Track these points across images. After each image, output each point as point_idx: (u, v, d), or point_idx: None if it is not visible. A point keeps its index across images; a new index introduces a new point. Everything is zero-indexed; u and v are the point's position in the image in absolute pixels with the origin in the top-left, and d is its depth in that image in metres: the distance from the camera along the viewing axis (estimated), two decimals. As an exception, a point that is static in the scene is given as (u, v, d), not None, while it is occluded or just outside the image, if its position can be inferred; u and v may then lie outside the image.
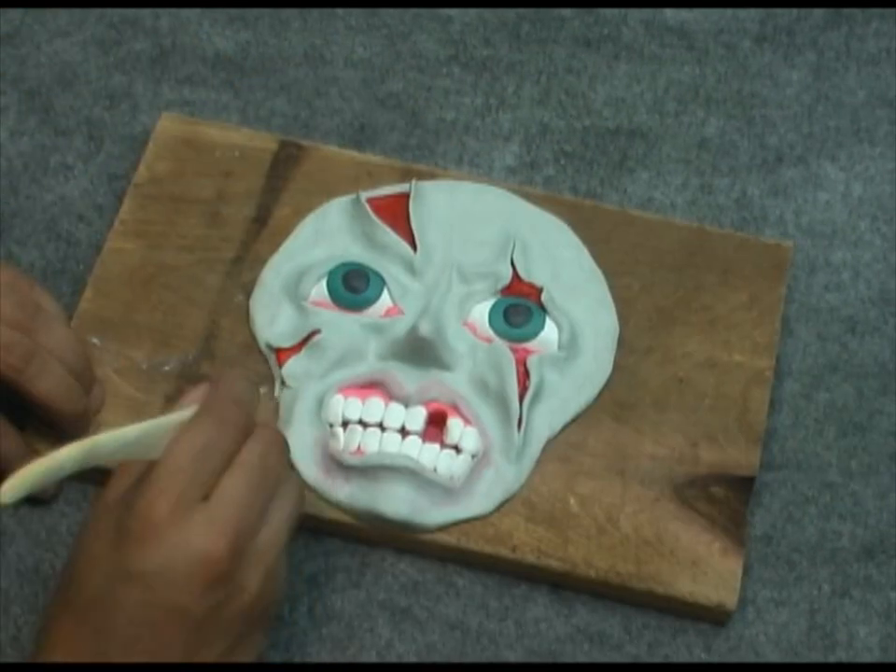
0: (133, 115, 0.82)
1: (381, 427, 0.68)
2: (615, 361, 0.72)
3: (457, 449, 0.68)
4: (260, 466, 0.59)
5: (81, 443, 0.56)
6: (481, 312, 0.72)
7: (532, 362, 0.70)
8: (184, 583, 0.56)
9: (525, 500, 0.69)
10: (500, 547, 0.68)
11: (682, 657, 0.67)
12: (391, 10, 0.86)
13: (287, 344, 0.71)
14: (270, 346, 0.72)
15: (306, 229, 0.76)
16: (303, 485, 0.62)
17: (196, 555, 0.56)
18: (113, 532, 0.57)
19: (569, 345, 0.71)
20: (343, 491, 0.68)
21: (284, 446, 0.61)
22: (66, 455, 0.56)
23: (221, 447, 0.58)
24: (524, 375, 0.70)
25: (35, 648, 0.58)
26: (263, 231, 0.76)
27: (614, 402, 0.71)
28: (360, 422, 0.69)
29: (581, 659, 0.67)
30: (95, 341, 0.72)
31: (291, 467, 0.63)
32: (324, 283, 0.73)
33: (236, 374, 0.63)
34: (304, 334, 0.71)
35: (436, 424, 0.69)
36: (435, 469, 0.68)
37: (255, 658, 0.60)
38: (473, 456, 0.68)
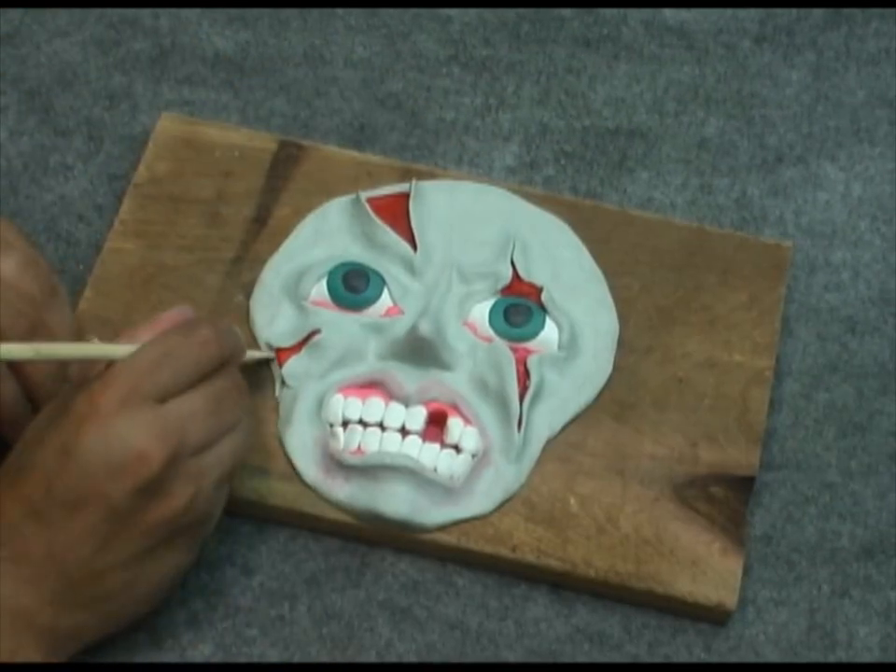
0: (132, 115, 0.82)
1: (381, 426, 0.69)
2: (615, 361, 0.72)
3: (457, 449, 0.68)
4: (221, 397, 0.62)
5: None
6: (481, 311, 0.72)
7: (532, 362, 0.70)
8: (114, 473, 0.58)
9: (524, 500, 0.69)
10: (500, 547, 0.68)
11: (682, 657, 0.67)
12: (391, 10, 0.86)
13: (286, 344, 0.71)
14: (270, 346, 0.72)
15: (306, 229, 0.76)
16: (253, 430, 0.64)
17: (133, 451, 0.58)
18: (59, 410, 0.60)
19: (569, 345, 0.71)
20: (343, 491, 0.68)
21: (245, 389, 0.64)
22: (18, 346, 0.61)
23: (185, 358, 0.61)
24: (524, 375, 0.70)
25: None
26: (263, 231, 0.76)
27: (614, 402, 0.71)
28: (360, 422, 0.69)
29: (581, 659, 0.67)
30: (95, 340, 0.72)
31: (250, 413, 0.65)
32: (324, 283, 0.73)
33: (224, 320, 0.66)
34: (304, 334, 0.71)
35: (436, 423, 0.69)
36: (435, 469, 0.68)
37: (171, 572, 0.62)
38: (473, 456, 0.69)
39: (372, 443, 0.68)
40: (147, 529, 0.60)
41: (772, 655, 0.68)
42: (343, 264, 0.73)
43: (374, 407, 0.69)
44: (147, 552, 0.61)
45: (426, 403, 0.69)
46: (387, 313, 0.72)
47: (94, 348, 0.63)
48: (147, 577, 0.62)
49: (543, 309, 0.72)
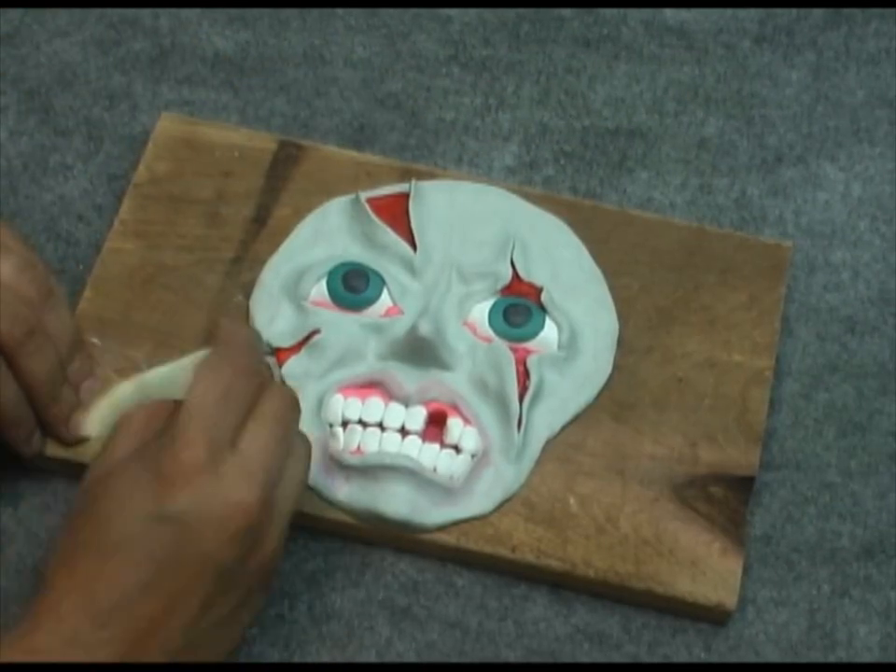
0: (132, 115, 0.82)
1: (381, 426, 0.69)
2: (615, 361, 0.72)
3: (457, 449, 0.68)
4: (281, 419, 0.60)
5: (132, 380, 0.65)
6: (480, 312, 0.72)
7: (532, 362, 0.70)
8: (216, 530, 0.57)
9: (524, 500, 0.69)
10: (500, 547, 0.68)
11: (682, 657, 0.67)
12: (391, 10, 0.86)
13: (286, 344, 0.71)
14: (269, 346, 0.72)
15: (306, 229, 0.76)
16: (310, 446, 0.63)
17: (231, 504, 0.57)
18: (145, 475, 0.57)
19: (569, 345, 0.71)
20: (343, 491, 0.68)
21: (297, 403, 0.62)
22: (122, 391, 0.65)
23: (241, 390, 0.59)
24: (523, 375, 0.70)
25: (42, 586, 0.57)
26: (263, 231, 0.76)
27: (614, 402, 0.71)
28: (360, 422, 0.69)
29: (581, 659, 0.67)
30: (95, 341, 0.72)
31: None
32: (323, 283, 0.73)
33: (240, 324, 0.67)
34: (304, 334, 0.71)
35: (436, 424, 0.69)
36: (435, 469, 0.68)
37: (254, 616, 0.61)
38: (473, 456, 0.69)
39: (372, 443, 0.68)
40: (245, 581, 0.58)
41: (772, 655, 0.68)
42: (343, 264, 0.73)
43: (374, 407, 0.69)
44: (239, 607, 0.59)
45: (425, 403, 0.69)
46: (387, 313, 0.72)
47: (174, 366, 0.63)
48: (234, 629, 0.60)
49: (543, 309, 0.72)
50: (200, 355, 0.61)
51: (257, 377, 0.61)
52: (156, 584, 0.56)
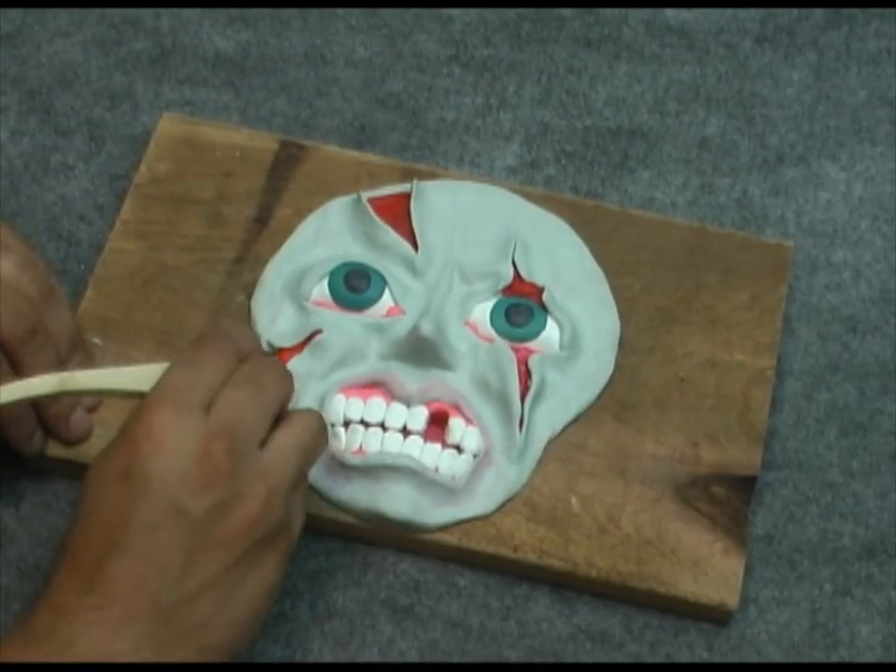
0: (133, 115, 0.82)
1: (382, 426, 0.69)
2: (616, 361, 0.72)
3: (459, 449, 0.68)
4: (256, 379, 0.60)
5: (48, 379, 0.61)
6: (482, 311, 0.72)
7: (533, 362, 0.70)
8: (181, 481, 0.56)
9: (526, 500, 0.69)
10: (502, 547, 0.68)
11: (684, 657, 0.67)
12: (392, 10, 0.86)
13: (288, 344, 0.71)
14: (271, 346, 0.72)
15: (307, 229, 0.76)
16: (322, 422, 0.63)
17: (193, 454, 0.57)
18: (116, 442, 0.58)
19: (571, 345, 0.71)
20: (345, 491, 0.68)
21: (282, 370, 0.62)
22: (41, 379, 0.60)
23: (217, 363, 0.60)
24: (525, 375, 0.70)
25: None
26: (264, 231, 0.76)
27: (615, 402, 0.71)
28: (362, 422, 0.69)
29: (583, 659, 0.67)
30: (96, 341, 0.72)
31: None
32: (325, 283, 0.73)
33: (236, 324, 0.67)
34: (306, 334, 0.71)
35: (437, 424, 0.69)
36: (436, 469, 0.68)
37: (260, 591, 0.59)
38: (475, 456, 0.68)
39: (374, 443, 0.68)
40: (227, 539, 0.57)
41: (774, 655, 0.68)
42: (345, 264, 0.73)
43: (376, 407, 0.69)
44: (233, 568, 0.58)
45: (427, 403, 0.69)
46: (389, 313, 0.72)
47: (118, 374, 0.62)
48: (237, 598, 0.58)
49: (544, 309, 0.72)
50: (148, 368, 0.61)
51: (236, 352, 0.61)
52: (128, 543, 0.56)
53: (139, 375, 0.61)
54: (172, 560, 0.56)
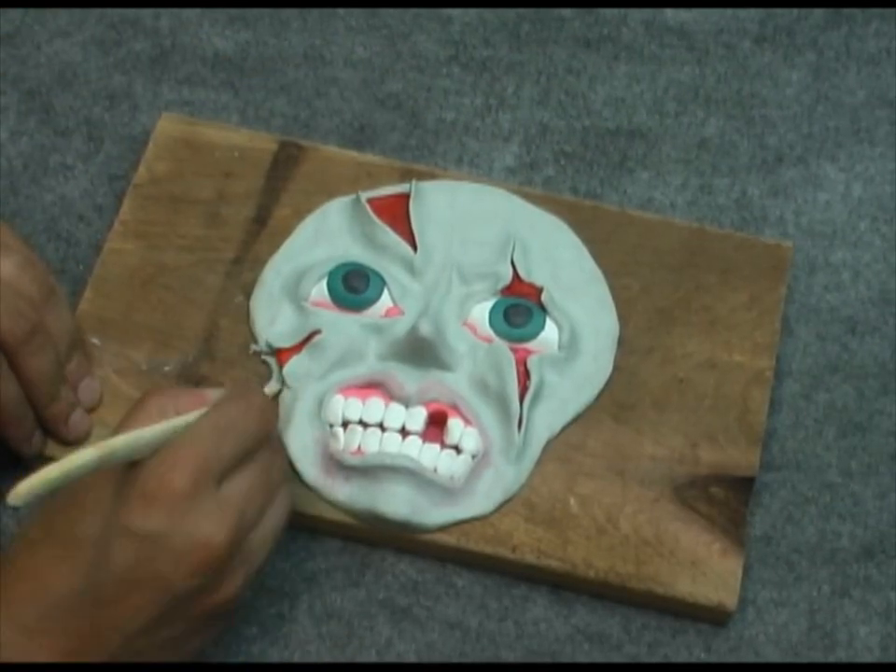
0: (132, 115, 0.82)
1: (381, 427, 0.69)
2: (615, 362, 0.72)
3: (457, 449, 0.68)
4: (269, 470, 0.60)
5: (98, 447, 0.56)
6: (481, 312, 0.72)
7: (532, 362, 0.70)
8: (179, 560, 0.57)
9: (524, 501, 0.69)
10: (500, 547, 0.68)
11: (682, 657, 0.68)
12: (391, 10, 0.86)
13: (287, 344, 0.71)
14: (270, 346, 0.72)
15: (306, 229, 0.76)
16: (293, 497, 0.63)
17: (199, 537, 0.57)
18: (120, 483, 0.57)
19: (569, 346, 0.71)
20: (343, 491, 0.68)
21: (286, 461, 0.64)
22: (82, 458, 0.55)
23: (244, 430, 0.59)
24: (524, 375, 0.70)
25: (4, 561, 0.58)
26: (263, 231, 0.76)
27: (614, 403, 0.71)
28: (360, 422, 0.69)
29: (581, 659, 0.67)
30: (95, 341, 0.72)
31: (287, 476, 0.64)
32: (324, 283, 0.73)
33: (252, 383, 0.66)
34: (305, 334, 0.71)
35: (436, 424, 0.69)
36: (435, 470, 0.68)
37: (200, 648, 0.61)
38: (473, 457, 0.68)
39: (372, 444, 0.68)
40: (197, 615, 0.59)
41: (772, 655, 0.68)
42: (344, 265, 0.73)
43: (374, 407, 0.69)
44: (189, 634, 0.59)
45: (426, 404, 0.69)
46: (387, 313, 0.72)
47: (165, 428, 0.59)
48: (181, 654, 0.60)
49: (543, 309, 0.72)
50: (172, 424, 0.59)
51: (263, 425, 0.61)
52: (106, 593, 0.57)
53: (174, 432, 0.59)
54: (135, 620, 0.57)
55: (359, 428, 0.69)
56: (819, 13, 0.87)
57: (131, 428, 0.59)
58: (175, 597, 0.57)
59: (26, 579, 0.58)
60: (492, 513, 0.68)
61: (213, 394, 0.62)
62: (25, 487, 0.53)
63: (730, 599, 0.67)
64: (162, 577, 0.57)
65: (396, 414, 0.69)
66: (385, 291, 0.72)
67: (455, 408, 0.69)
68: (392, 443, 0.68)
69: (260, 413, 0.61)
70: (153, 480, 0.57)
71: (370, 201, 0.75)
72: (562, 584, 0.68)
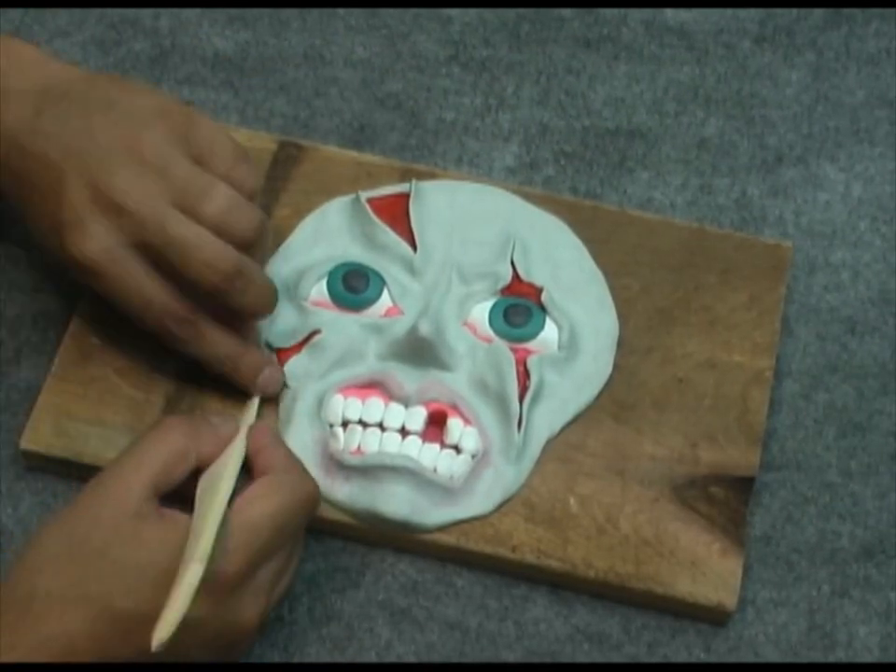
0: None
1: (381, 427, 0.69)
2: (615, 362, 0.72)
3: (457, 449, 0.68)
4: (295, 551, 0.64)
5: (198, 560, 0.57)
6: (480, 312, 0.72)
7: (532, 362, 0.70)
8: (208, 643, 0.60)
9: (524, 500, 0.69)
10: (500, 547, 0.68)
11: (682, 657, 0.68)
12: (391, 10, 0.86)
13: (287, 344, 0.71)
14: (270, 346, 0.72)
15: (306, 229, 0.76)
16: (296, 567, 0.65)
17: (234, 625, 0.60)
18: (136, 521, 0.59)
19: (569, 346, 0.71)
20: (343, 491, 0.68)
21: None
22: (195, 578, 0.56)
23: (291, 526, 0.62)
24: (523, 375, 0.70)
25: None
26: (263, 231, 0.76)
27: (614, 403, 0.71)
28: (360, 422, 0.69)
29: (581, 659, 0.67)
30: (95, 341, 0.72)
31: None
32: (324, 283, 0.73)
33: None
34: (304, 334, 0.71)
35: (436, 424, 0.69)
36: (435, 470, 0.68)
37: None
38: (473, 457, 0.69)
39: (372, 444, 0.68)
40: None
41: (772, 656, 0.68)
42: (343, 264, 0.73)
43: (374, 407, 0.69)
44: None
45: (425, 404, 0.69)
46: (387, 313, 0.72)
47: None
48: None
49: (543, 309, 0.72)
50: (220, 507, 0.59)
51: (311, 513, 0.63)
52: (107, 646, 0.58)
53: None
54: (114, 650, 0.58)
55: (359, 428, 0.69)
56: (818, 13, 0.87)
57: (146, 456, 0.61)
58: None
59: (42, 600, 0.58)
60: (492, 513, 0.68)
61: (228, 429, 0.64)
62: (166, 631, 0.54)
63: (730, 599, 0.67)
64: (186, 655, 0.59)
65: (395, 414, 0.69)
66: (385, 291, 0.72)
67: (455, 408, 0.69)
68: (392, 443, 0.68)
69: (313, 505, 0.63)
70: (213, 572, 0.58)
71: (369, 200, 0.75)
72: (562, 584, 0.68)
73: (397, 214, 0.75)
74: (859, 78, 0.84)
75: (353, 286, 0.72)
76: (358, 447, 0.68)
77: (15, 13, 0.85)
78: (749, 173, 0.81)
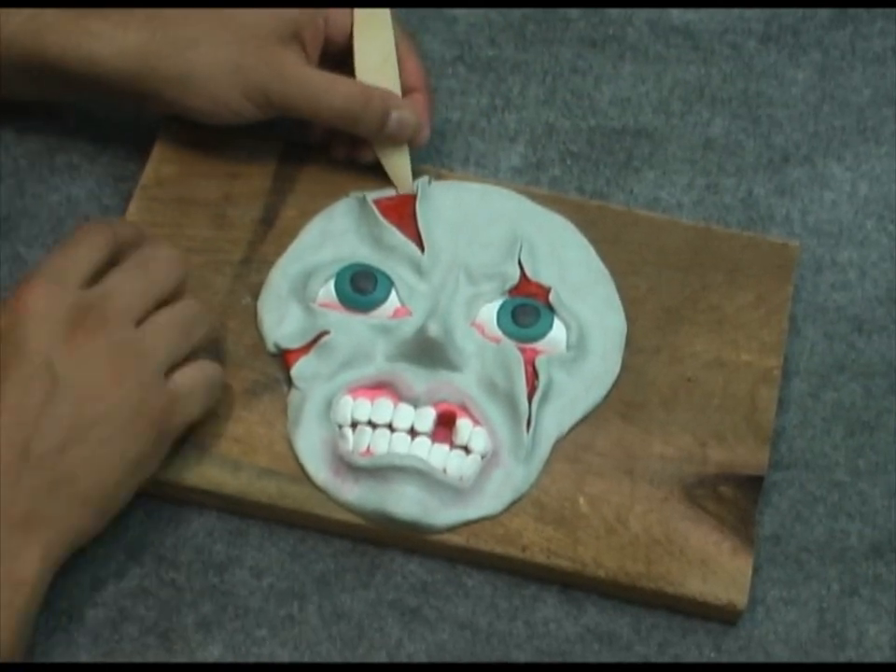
0: (138, 115, 0.82)
1: (390, 427, 0.69)
2: (623, 361, 0.72)
3: (467, 449, 0.68)
4: (141, 262, 0.66)
5: None
6: (489, 312, 0.72)
7: (540, 362, 0.70)
8: (52, 342, 0.62)
9: (534, 500, 0.69)
10: (510, 547, 0.68)
11: (692, 657, 0.68)
12: (397, 11, 0.85)
13: (295, 346, 0.71)
14: (278, 348, 0.72)
15: (313, 230, 0.75)
16: (201, 308, 0.68)
17: (65, 320, 0.62)
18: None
19: (578, 345, 0.71)
20: (353, 492, 0.68)
21: (173, 258, 0.67)
22: None
23: (96, 244, 0.65)
24: (532, 375, 0.70)
25: None
26: (270, 232, 0.76)
27: (622, 402, 0.71)
28: (369, 423, 0.69)
29: (591, 659, 0.67)
30: None
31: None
32: (332, 284, 0.72)
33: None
34: (313, 335, 0.71)
35: (445, 424, 0.69)
36: (444, 470, 0.68)
37: (132, 460, 0.64)
38: (482, 457, 0.68)
39: (382, 444, 0.68)
40: (94, 393, 0.62)
41: (782, 655, 0.68)
42: (351, 265, 0.73)
43: (383, 408, 0.69)
44: (99, 425, 0.62)
45: (434, 404, 0.69)
46: (395, 314, 0.72)
47: None
48: (102, 457, 0.62)
49: (551, 309, 0.72)
50: None
51: (110, 231, 0.66)
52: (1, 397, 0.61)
53: None
54: (39, 413, 0.61)
55: (368, 429, 0.69)
56: (824, 13, 0.87)
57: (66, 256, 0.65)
58: (61, 378, 0.61)
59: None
60: (501, 513, 0.68)
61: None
62: None
63: (740, 598, 0.67)
64: (45, 364, 0.61)
65: (405, 415, 0.69)
66: (393, 292, 0.72)
67: (464, 408, 0.69)
68: (401, 444, 0.68)
69: (103, 230, 0.66)
70: (13, 295, 0.63)
71: (376, 202, 0.75)
72: (572, 584, 0.68)
73: (404, 214, 0.75)
74: (864, 77, 0.84)
75: (361, 287, 0.72)
76: (368, 448, 0.68)
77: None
78: (756, 172, 0.81)
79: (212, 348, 0.70)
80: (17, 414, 0.61)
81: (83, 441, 0.62)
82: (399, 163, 0.76)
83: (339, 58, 0.75)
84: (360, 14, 0.75)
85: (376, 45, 0.75)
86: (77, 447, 0.62)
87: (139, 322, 0.64)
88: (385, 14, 0.75)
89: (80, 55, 0.71)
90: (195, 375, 0.66)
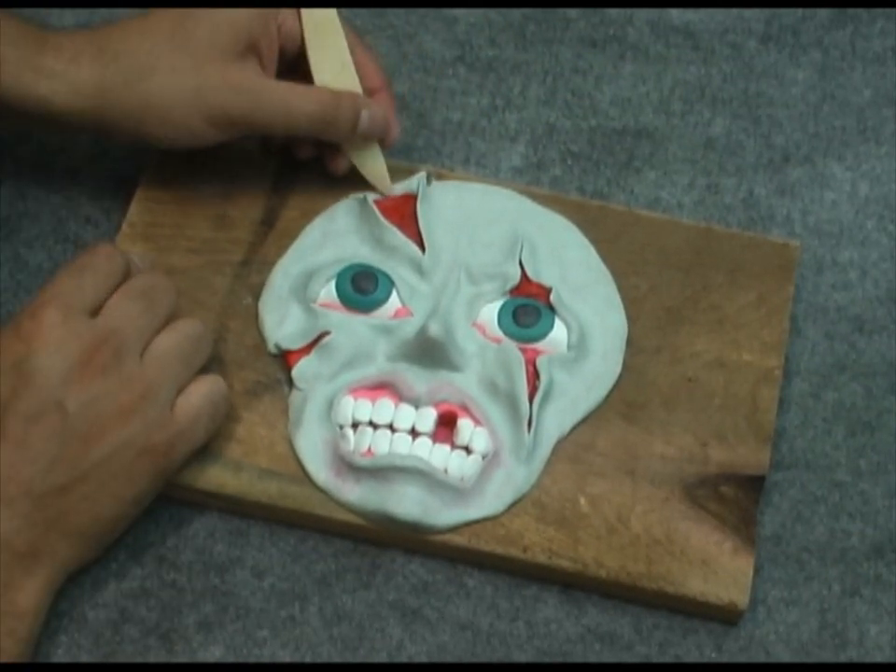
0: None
1: (391, 428, 0.68)
2: (624, 361, 0.72)
3: (468, 450, 0.68)
4: (146, 291, 0.66)
5: None
6: (489, 312, 0.72)
7: (541, 362, 0.70)
8: (63, 378, 0.62)
9: (535, 501, 0.69)
10: (511, 548, 0.68)
11: (693, 657, 0.68)
12: (397, 11, 0.86)
13: (296, 346, 0.71)
14: (279, 348, 0.72)
15: (314, 231, 0.76)
16: (202, 329, 0.67)
17: (77, 354, 0.62)
18: (11, 340, 0.63)
19: (578, 345, 0.71)
20: (354, 492, 0.68)
21: (170, 286, 0.67)
22: None
23: (105, 271, 0.65)
24: (533, 376, 0.70)
25: None
26: (271, 233, 0.76)
27: (623, 402, 0.71)
28: (370, 423, 0.69)
29: (592, 659, 0.67)
30: None
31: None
32: (332, 285, 0.72)
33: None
34: (314, 336, 0.71)
35: (446, 425, 0.69)
36: (445, 470, 0.68)
37: (131, 493, 0.64)
38: (484, 457, 0.69)
39: (383, 445, 0.68)
40: (99, 434, 0.62)
41: (783, 655, 0.68)
42: (352, 266, 0.73)
43: (384, 408, 0.69)
44: (103, 465, 0.62)
45: (435, 404, 0.69)
46: (396, 314, 0.72)
47: None
48: (103, 495, 0.63)
49: (552, 309, 0.72)
50: None
51: (119, 258, 0.66)
52: (7, 430, 0.61)
53: None
54: (46, 450, 0.61)
55: (369, 429, 0.69)
56: (824, 13, 0.87)
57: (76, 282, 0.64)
58: (69, 416, 0.61)
59: None
60: (502, 514, 0.68)
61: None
62: None
63: (741, 598, 0.67)
64: (56, 401, 0.61)
65: (406, 415, 0.69)
66: (394, 292, 0.72)
67: (465, 408, 0.69)
68: (402, 444, 0.68)
69: (108, 255, 0.65)
70: (28, 320, 0.62)
71: (377, 202, 0.75)
72: (573, 584, 0.68)
73: (404, 215, 0.75)
74: (865, 77, 0.84)
75: (362, 287, 0.72)
76: (369, 448, 0.68)
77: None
78: (756, 172, 0.81)
79: (213, 352, 0.69)
80: (23, 450, 0.61)
81: (86, 480, 0.62)
82: (374, 165, 0.75)
83: (291, 66, 0.74)
84: (309, 21, 0.73)
85: (331, 52, 0.74)
86: (79, 486, 0.62)
87: (143, 351, 0.64)
88: (333, 18, 0.74)
89: (38, 95, 0.69)
90: (200, 400, 0.65)
